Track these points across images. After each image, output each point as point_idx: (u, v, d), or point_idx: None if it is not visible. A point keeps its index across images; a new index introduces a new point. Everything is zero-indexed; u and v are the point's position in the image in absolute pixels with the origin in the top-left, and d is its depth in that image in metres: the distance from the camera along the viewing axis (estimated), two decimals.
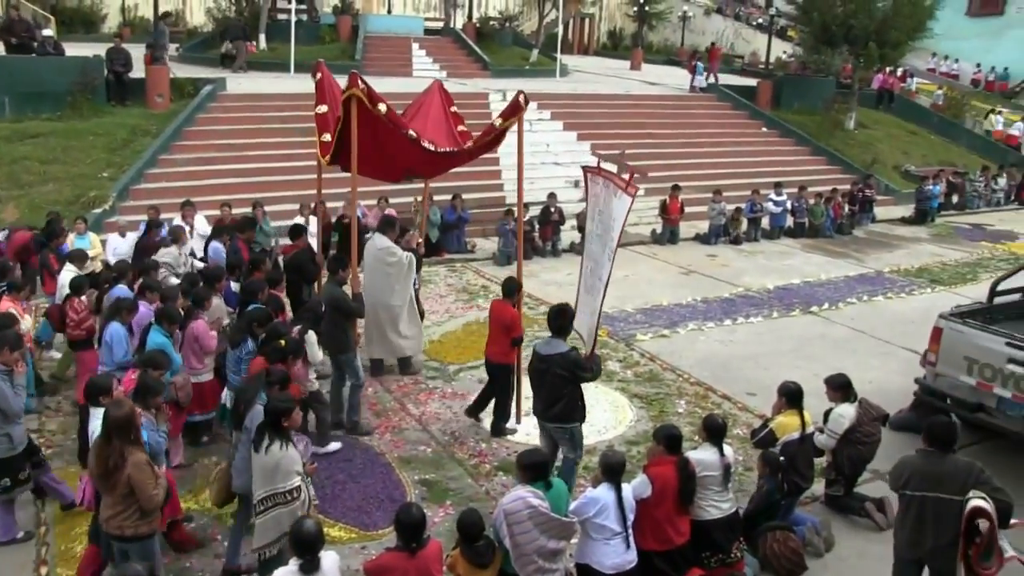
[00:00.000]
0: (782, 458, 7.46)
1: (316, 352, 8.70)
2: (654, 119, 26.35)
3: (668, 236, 19.41)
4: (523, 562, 5.87)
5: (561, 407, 7.80)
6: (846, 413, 7.96)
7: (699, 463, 6.64)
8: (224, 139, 19.65)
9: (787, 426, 7.57)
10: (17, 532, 7.38)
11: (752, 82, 31.93)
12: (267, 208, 14.87)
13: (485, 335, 9.80)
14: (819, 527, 7.67)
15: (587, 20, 51.66)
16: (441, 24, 37.15)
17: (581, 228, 18.11)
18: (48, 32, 21.77)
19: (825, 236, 20.80)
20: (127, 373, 7.79)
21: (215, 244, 11.88)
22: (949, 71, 43.58)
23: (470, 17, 39.07)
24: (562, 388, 7.76)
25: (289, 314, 10.14)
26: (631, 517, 6.20)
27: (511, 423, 9.68)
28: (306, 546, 5.16)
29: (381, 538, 7.42)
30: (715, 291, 15.75)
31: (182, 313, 8.71)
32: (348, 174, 9.38)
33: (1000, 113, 33.59)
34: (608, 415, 10.12)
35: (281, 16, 30.88)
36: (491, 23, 38.02)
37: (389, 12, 38.27)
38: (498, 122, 9.65)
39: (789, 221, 20.91)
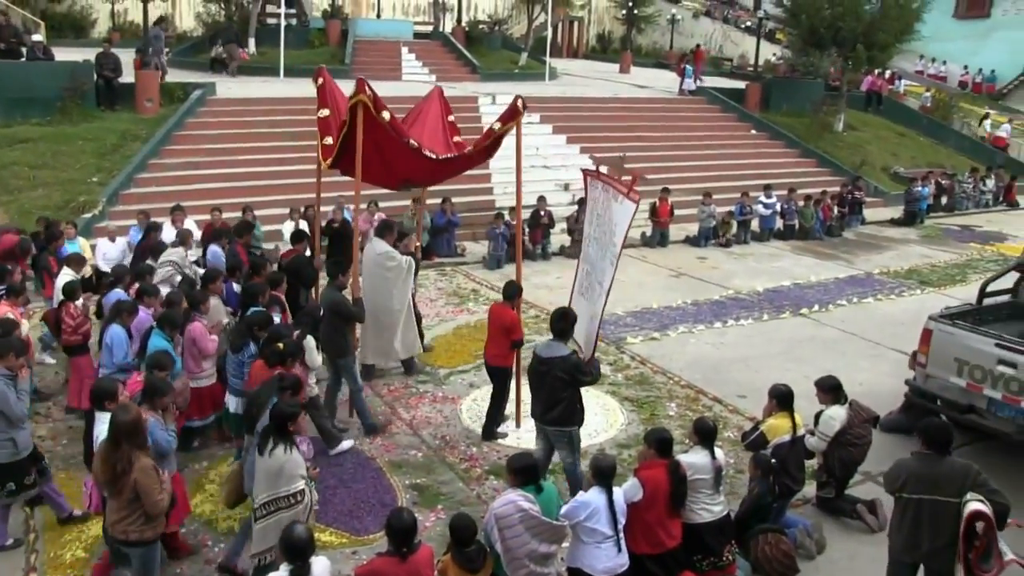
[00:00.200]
0: (773, 460, 7.47)
1: (315, 357, 8.69)
2: (643, 122, 26.39)
3: (658, 239, 19.43)
4: (515, 566, 5.87)
5: (560, 410, 7.80)
6: (837, 415, 7.97)
7: (690, 466, 6.64)
8: (214, 144, 19.61)
9: (778, 428, 7.58)
10: (7, 539, 7.35)
11: (741, 85, 32.04)
12: (257, 212, 14.84)
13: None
14: (810, 529, 7.68)
15: (576, 23, 51.78)
16: (430, 28, 37.14)
17: (571, 231, 18.18)
18: (38, 37, 21.68)
19: (815, 238, 20.84)
20: (131, 376, 7.78)
21: (214, 248, 11.88)
22: (937, 73, 43.84)
23: (459, 21, 39.12)
24: (562, 391, 7.75)
25: (289, 316, 10.14)
26: (622, 520, 6.20)
27: (508, 426, 9.68)
28: (297, 552, 5.14)
29: (372, 543, 7.40)
30: (705, 294, 15.77)
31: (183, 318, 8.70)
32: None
33: (988, 117, 33.69)
34: (599, 418, 10.11)
35: (271, 20, 30.87)
36: (480, 27, 38.10)
37: (378, 16, 38.30)
38: (497, 126, 9.69)
39: (779, 223, 20.96)
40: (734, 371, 11.91)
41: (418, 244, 11.89)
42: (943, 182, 26.04)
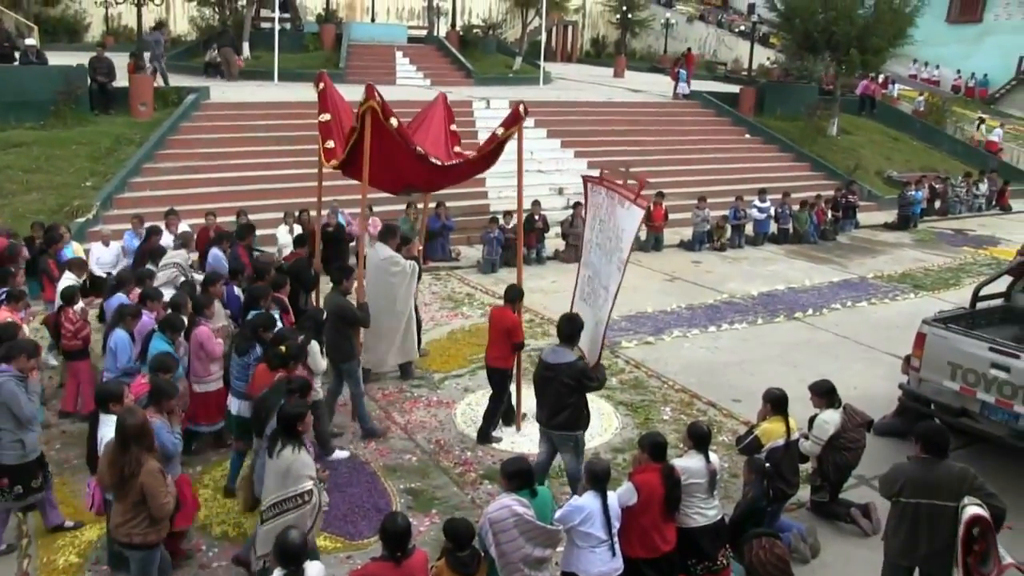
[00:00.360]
0: (768, 465, 7.47)
1: (319, 361, 8.66)
2: (638, 126, 26.39)
3: (652, 243, 19.43)
4: (509, 570, 5.86)
5: (567, 415, 7.79)
6: (831, 419, 7.98)
7: (685, 470, 6.64)
8: (208, 148, 19.59)
9: (772, 432, 7.57)
10: (0, 544, 7.32)
11: (735, 89, 32.06)
12: (251, 217, 14.79)
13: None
14: (805, 533, 7.69)
15: (570, 28, 51.92)
16: (425, 32, 37.11)
17: (565, 236, 18.20)
18: (31, 41, 21.68)
19: (809, 242, 20.86)
20: (135, 379, 7.77)
21: (215, 251, 11.86)
22: (930, 77, 44.07)
23: (453, 25, 39.14)
24: (568, 397, 7.74)
25: (292, 318, 10.13)
26: (617, 525, 6.19)
27: (504, 431, 9.68)
28: (290, 557, 5.13)
29: (367, 547, 7.40)
30: (700, 298, 15.78)
31: (186, 322, 8.68)
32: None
33: (983, 122, 33.77)
34: (594, 422, 10.02)
35: (265, 25, 30.83)
36: (474, 31, 38.08)
37: (373, 20, 38.25)
38: (500, 131, 9.79)
39: (773, 227, 20.97)
40: (728, 375, 11.92)
41: (421, 248, 11.90)
42: (936, 186, 26.09)
